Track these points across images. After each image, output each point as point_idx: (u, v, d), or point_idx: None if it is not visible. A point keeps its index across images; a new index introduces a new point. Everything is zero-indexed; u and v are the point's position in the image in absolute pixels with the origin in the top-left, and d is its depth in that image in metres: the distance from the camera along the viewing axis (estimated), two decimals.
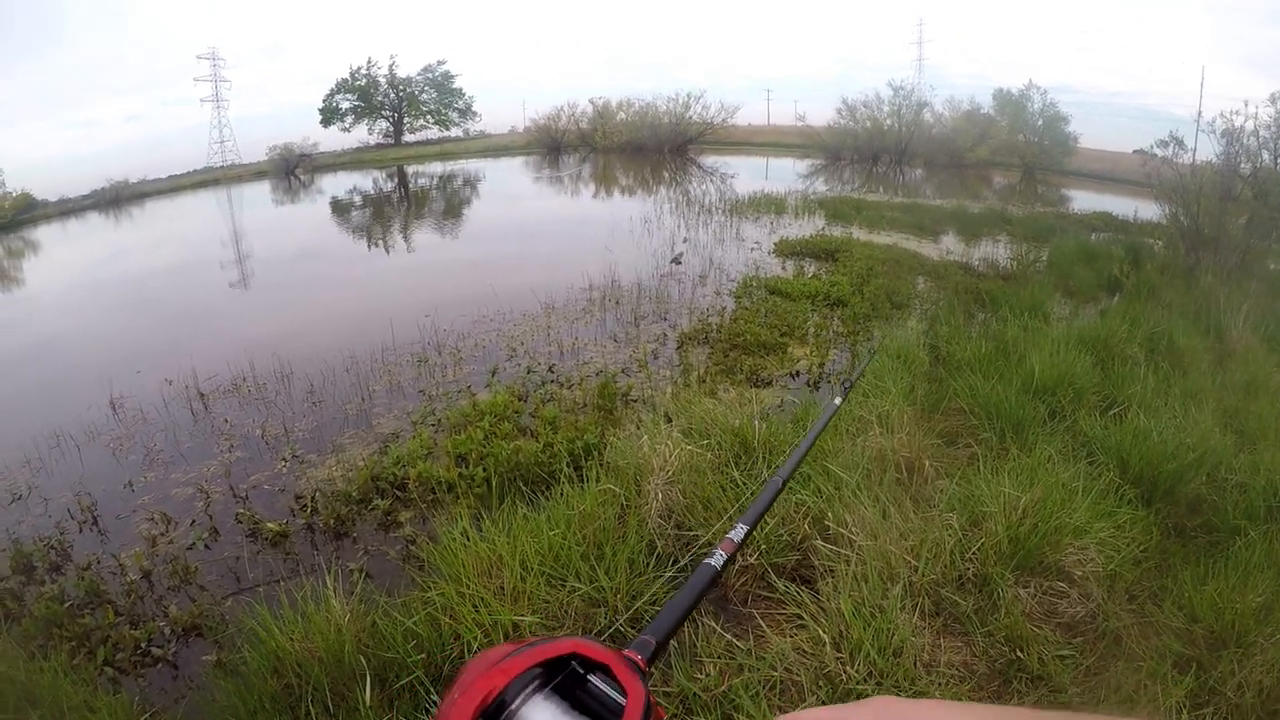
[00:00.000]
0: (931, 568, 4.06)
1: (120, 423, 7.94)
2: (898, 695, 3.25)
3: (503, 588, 3.94)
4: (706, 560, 1.15)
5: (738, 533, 1.25)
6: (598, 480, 4.99)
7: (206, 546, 5.53)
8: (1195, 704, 3.47)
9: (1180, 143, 15.74)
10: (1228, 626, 3.81)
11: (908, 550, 4.12)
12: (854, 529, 4.26)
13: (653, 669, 0.89)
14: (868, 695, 3.27)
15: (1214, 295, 10.57)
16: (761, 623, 3.90)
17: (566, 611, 3.94)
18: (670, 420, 6.09)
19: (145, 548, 5.53)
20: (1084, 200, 28.51)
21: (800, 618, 3.80)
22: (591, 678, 0.74)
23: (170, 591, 5.03)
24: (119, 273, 19.88)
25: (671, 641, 0.97)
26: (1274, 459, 5.61)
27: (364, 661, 3.58)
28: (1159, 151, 15.85)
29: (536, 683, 0.72)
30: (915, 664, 3.56)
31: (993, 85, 48.14)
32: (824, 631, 3.59)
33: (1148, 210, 18.44)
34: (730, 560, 1.19)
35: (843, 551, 4.16)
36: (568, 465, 5.65)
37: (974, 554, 4.18)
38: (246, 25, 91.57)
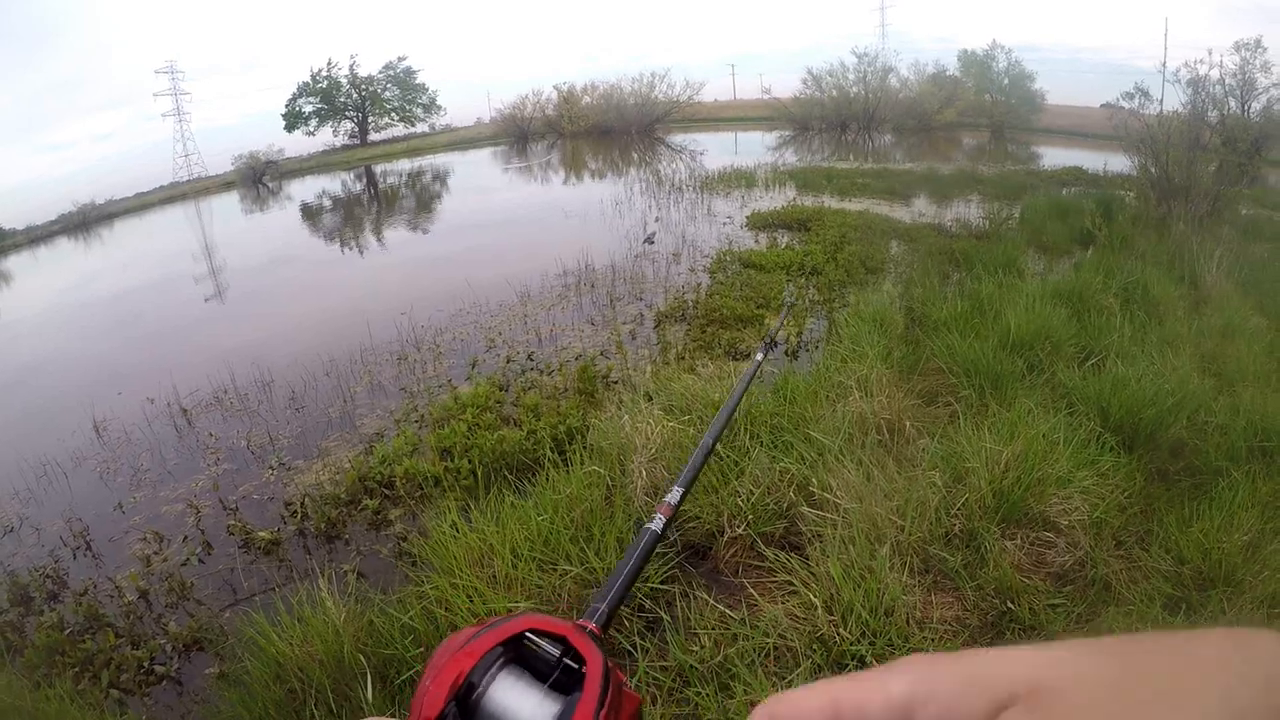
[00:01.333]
0: (918, 526, 4.09)
1: (105, 445, 7.93)
2: (895, 653, 3.28)
3: (495, 576, 3.99)
4: (647, 525, 1.19)
5: (674, 495, 1.30)
6: (582, 463, 5.02)
7: (201, 561, 5.57)
8: None
9: (1146, 94, 15.85)
10: (1215, 566, 3.86)
11: (893, 510, 4.14)
12: (839, 493, 4.28)
13: (608, 633, 0.93)
14: (862, 655, 3.31)
15: (1186, 243, 10.60)
16: (753, 592, 3.93)
17: (559, 594, 3.97)
18: (651, 399, 6.11)
19: (140, 568, 5.56)
20: (1055, 156, 28.54)
21: (791, 584, 3.83)
22: (552, 649, 0.76)
23: (168, 609, 5.06)
24: (91, 296, 19.71)
25: (623, 606, 1.03)
26: (1253, 400, 5.66)
27: (364, 660, 3.60)
28: (1125, 104, 15.92)
29: (500, 661, 0.74)
30: (908, 621, 3.60)
31: (961, 47, 47.89)
32: (815, 596, 3.62)
33: (1117, 163, 18.46)
34: (669, 522, 1.23)
35: (829, 516, 4.18)
36: (552, 450, 5.69)
37: (959, 510, 4.21)
38: (208, 36, 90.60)
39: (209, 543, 5.78)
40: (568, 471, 4.91)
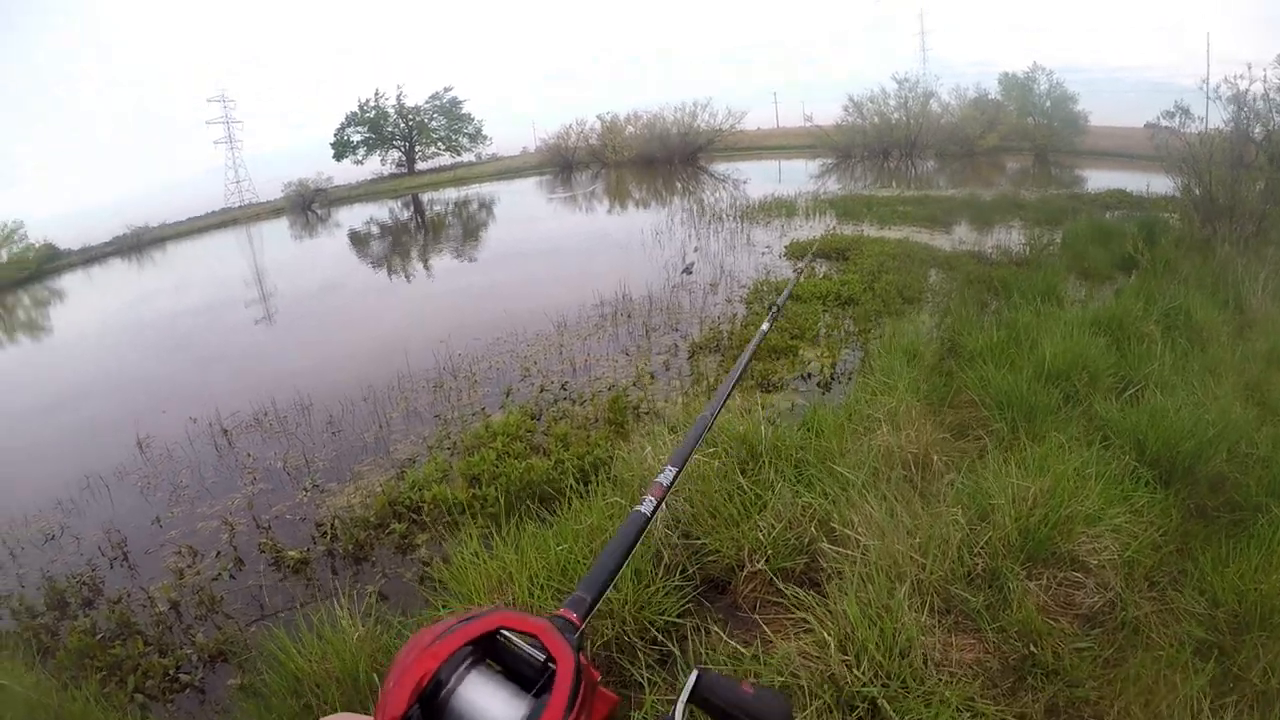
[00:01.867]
0: (939, 565, 4.00)
1: (148, 461, 8.19)
2: (908, 695, 3.20)
3: (512, 602, 4.01)
4: (636, 508, 1.15)
5: (666, 475, 1.26)
6: (603, 495, 5.03)
7: (231, 576, 5.77)
8: (1219, 693, 3.37)
9: (1187, 112, 15.51)
10: (1251, 609, 3.71)
11: (914, 548, 4.07)
12: (860, 529, 4.22)
13: (587, 622, 0.91)
14: (873, 697, 3.23)
15: (1231, 265, 10.39)
16: (766, 629, 3.88)
17: None
18: (675, 430, 6.09)
19: (173, 580, 5.78)
20: (1099, 179, 28.12)
21: (807, 622, 3.76)
22: (523, 647, 0.77)
23: (197, 621, 5.25)
24: (142, 317, 20.30)
25: (605, 595, 0.99)
26: None
27: (377, 680, 3.63)
28: (1165, 123, 15.63)
29: (470, 660, 0.74)
30: (925, 663, 3.51)
31: (1002, 70, 47.45)
32: (828, 634, 3.55)
33: (1160, 184, 18.17)
34: (659, 504, 1.19)
35: (849, 553, 4.11)
36: (576, 480, 5.76)
37: (982, 548, 4.12)
38: (260, 63, 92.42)
39: (241, 559, 5.98)
40: (589, 502, 4.93)
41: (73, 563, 6.30)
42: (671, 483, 1.25)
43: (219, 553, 6.08)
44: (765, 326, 2.55)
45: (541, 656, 0.76)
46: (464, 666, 0.73)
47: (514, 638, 0.78)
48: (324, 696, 3.68)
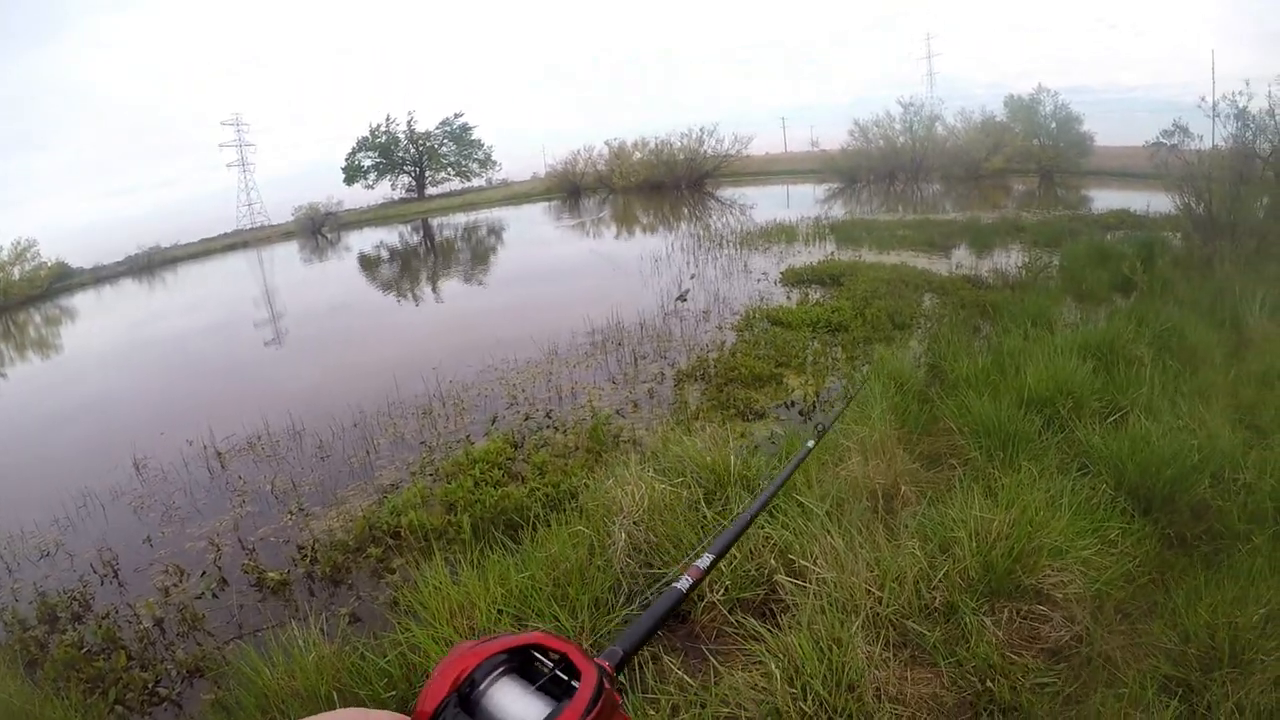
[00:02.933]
0: (895, 598, 3.95)
1: (143, 482, 8.37)
2: None
3: (473, 628, 4.06)
4: (674, 584, 1.25)
5: (704, 561, 1.34)
6: (565, 524, 5.09)
7: (214, 595, 5.92)
8: None
9: (1185, 130, 15.45)
10: (1222, 644, 3.59)
11: (871, 581, 4.01)
12: (820, 561, 4.17)
13: (620, 675, 1.04)
14: None
15: (1230, 284, 10.26)
16: (712, 659, 3.84)
17: None
18: (647, 459, 6.03)
19: (159, 597, 5.96)
20: (1105, 199, 28.12)
21: (759, 654, 3.71)
22: (550, 664, 0.83)
23: (179, 637, 5.41)
24: (149, 337, 20.75)
25: (636, 657, 1.13)
26: None
27: (335, 697, 3.81)
28: (1165, 141, 15.57)
29: (503, 667, 0.81)
30: (876, 697, 3.46)
31: (1008, 92, 47.50)
32: (775, 667, 3.50)
33: (1162, 203, 18.05)
34: (695, 585, 1.28)
35: (806, 585, 4.07)
36: (544, 508, 5.88)
37: (940, 582, 4.03)
38: (272, 88, 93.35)
39: (225, 579, 6.13)
40: (554, 531, 4.97)
41: (66, 578, 6.46)
42: (709, 567, 1.34)
43: (204, 572, 6.22)
44: (811, 444, 2.65)
45: (565, 674, 0.82)
46: (498, 671, 0.80)
47: (546, 659, 0.84)
48: (289, 712, 3.78)
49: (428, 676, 0.80)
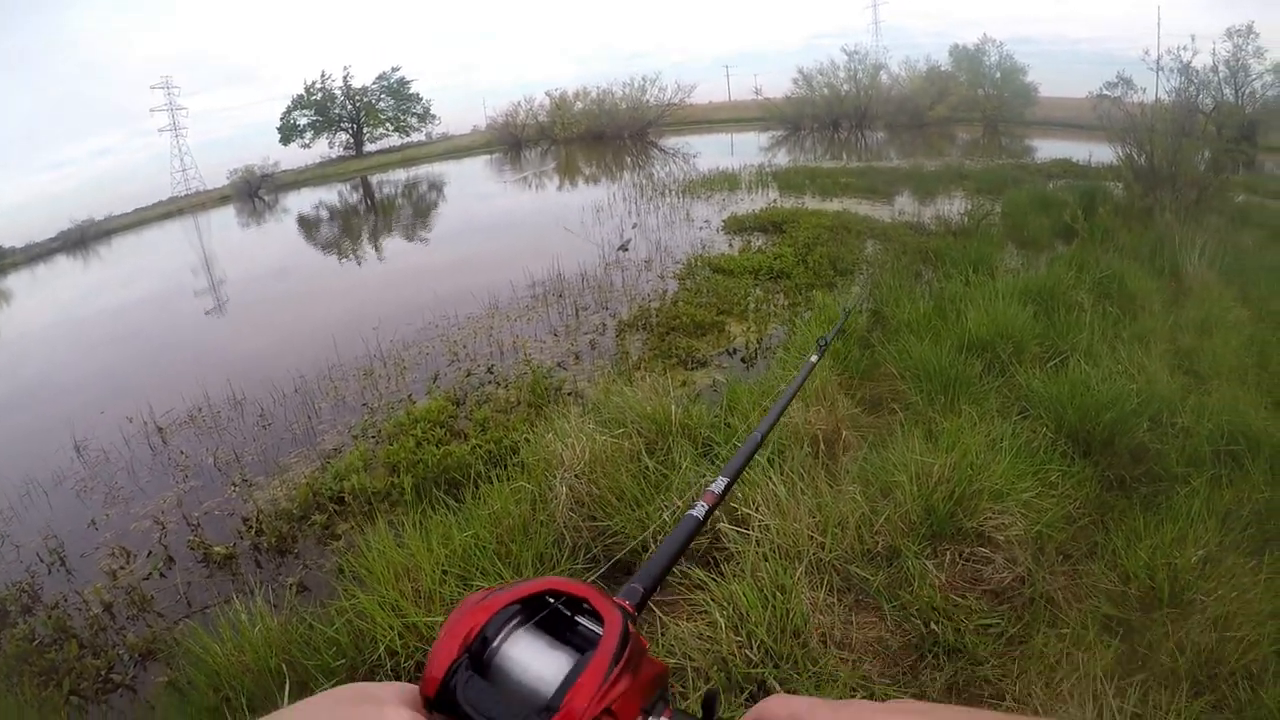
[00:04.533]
0: (838, 543, 3.94)
1: (85, 464, 8.10)
2: (800, 676, 3.10)
3: (417, 591, 4.00)
4: (690, 511, 1.22)
5: (718, 485, 1.33)
6: (508, 480, 5.02)
7: (162, 575, 5.75)
8: (1127, 671, 3.28)
9: (1129, 83, 15.63)
10: (1162, 585, 3.62)
11: (813, 527, 3.99)
12: (762, 508, 4.13)
13: (641, 612, 0.97)
14: (764, 677, 3.13)
15: (1170, 233, 10.38)
16: (656, 610, 3.81)
17: None
18: (589, 412, 6.00)
19: (107, 581, 5.79)
20: (1048, 149, 28.46)
21: (705, 604, 3.70)
22: (568, 611, 0.78)
23: (129, 620, 5.26)
24: (82, 314, 20.22)
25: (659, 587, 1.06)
26: (1223, 399, 5.48)
27: (285, 670, 3.69)
28: (1108, 93, 15.72)
29: (518, 619, 0.75)
30: (825, 642, 3.47)
31: (957, 42, 47.78)
32: (720, 615, 3.50)
33: (1106, 154, 18.21)
34: (711, 510, 1.26)
35: (749, 532, 4.04)
36: (486, 465, 5.80)
37: (882, 526, 4.02)
38: (204, 51, 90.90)
39: (171, 557, 5.94)
40: (495, 488, 4.90)
41: (13, 571, 6.24)
42: (724, 491, 1.32)
43: (151, 552, 6.05)
44: (814, 359, 2.65)
45: (590, 623, 0.77)
46: (512, 624, 0.74)
47: (563, 605, 0.79)
48: (240, 689, 3.72)
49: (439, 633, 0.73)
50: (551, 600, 0.78)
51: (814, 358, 2.64)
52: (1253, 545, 3.90)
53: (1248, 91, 25.64)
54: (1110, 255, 9.36)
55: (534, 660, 0.71)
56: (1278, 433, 4.95)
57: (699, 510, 1.22)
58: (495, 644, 0.72)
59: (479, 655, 0.71)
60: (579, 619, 0.77)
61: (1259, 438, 4.89)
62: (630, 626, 0.74)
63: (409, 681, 0.71)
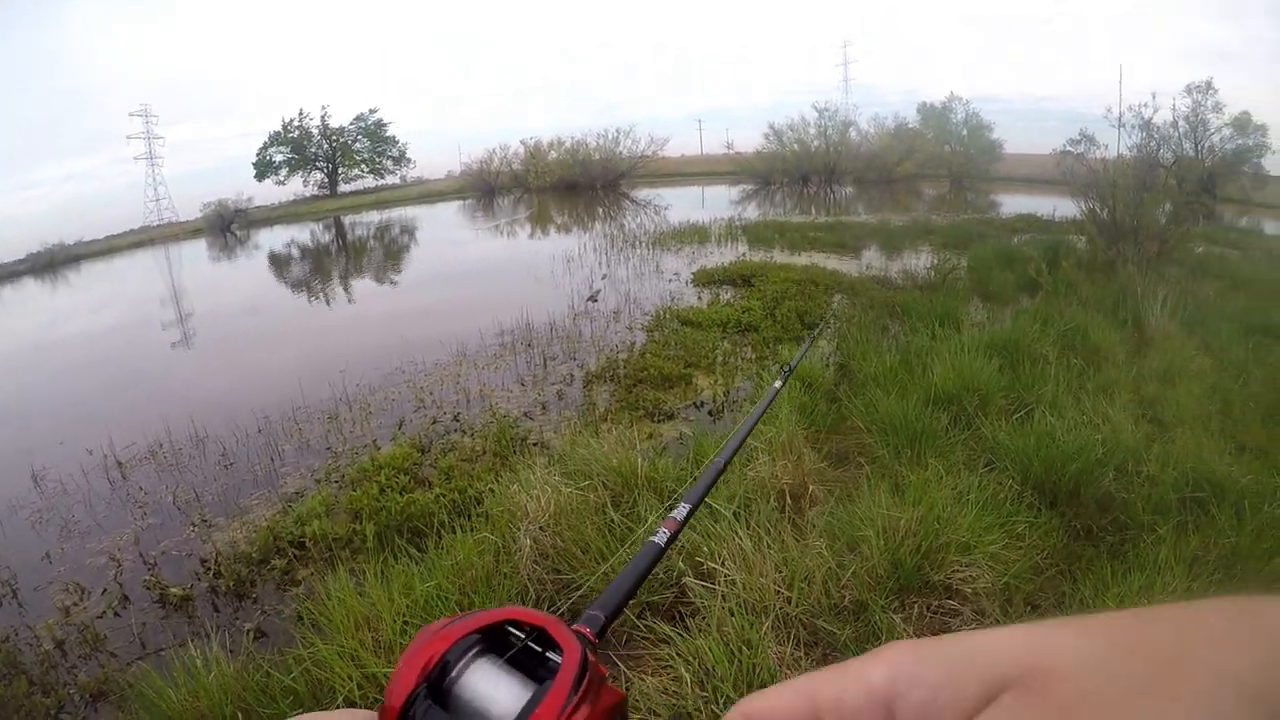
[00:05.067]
0: (805, 598, 3.92)
1: (42, 495, 7.94)
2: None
3: (377, 641, 3.95)
4: (651, 539, 1.16)
5: (680, 511, 1.27)
6: (471, 531, 4.97)
7: (116, 614, 5.62)
8: None
9: (1092, 139, 15.95)
10: None
11: (780, 581, 3.98)
12: (728, 563, 4.12)
13: (601, 640, 0.91)
14: None
15: (1132, 285, 10.54)
16: (620, 665, 3.81)
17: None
18: (554, 463, 5.98)
19: (59, 618, 5.66)
20: (1013, 204, 28.98)
21: (669, 658, 3.67)
22: (528, 640, 0.75)
23: (81, 659, 5.13)
24: (48, 340, 19.99)
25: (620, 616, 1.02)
26: (1187, 446, 5.54)
27: (241, 717, 3.69)
28: (1071, 149, 16.05)
29: (477, 648, 0.72)
30: None
31: (924, 100, 48.67)
32: (685, 670, 3.48)
33: (1069, 209, 18.52)
34: (673, 538, 1.20)
35: (714, 587, 4.02)
36: (450, 515, 5.76)
37: (849, 580, 4.00)
38: (183, 82, 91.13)
39: (126, 596, 5.82)
40: (458, 538, 4.85)
41: None
42: (685, 518, 1.27)
43: (105, 589, 5.95)
44: (778, 384, 2.66)
45: (545, 649, 0.74)
46: (471, 654, 0.71)
47: (523, 635, 0.75)
48: None
49: (394, 665, 0.71)
50: (511, 630, 0.76)
51: (777, 383, 2.66)
52: (1220, 591, 3.89)
53: (1207, 145, 26.40)
54: (1074, 308, 9.51)
55: (493, 689, 0.70)
56: (1242, 478, 5.00)
57: (660, 537, 1.18)
58: (454, 673, 0.70)
59: (438, 685, 0.69)
60: (538, 648, 0.74)
61: (1223, 484, 4.95)
62: (590, 655, 0.72)
63: (367, 709, 0.70)
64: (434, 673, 0.69)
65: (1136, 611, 0.38)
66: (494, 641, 0.75)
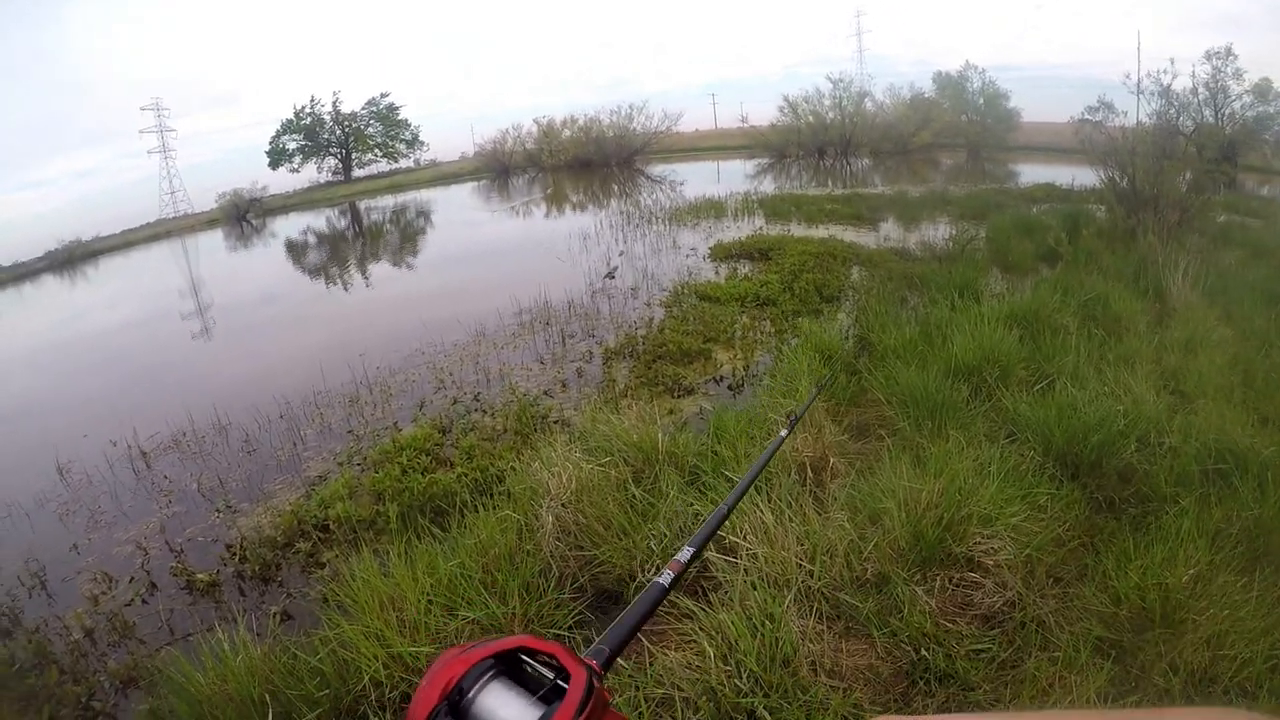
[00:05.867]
0: (827, 571, 3.92)
1: (68, 487, 8.01)
2: (790, 705, 3.07)
3: (403, 620, 3.96)
4: (657, 579, 1.26)
5: (684, 554, 1.38)
6: (493, 509, 4.97)
7: (144, 601, 5.65)
8: (1120, 692, 3.28)
9: (1110, 107, 15.75)
10: (1154, 606, 3.60)
11: (802, 554, 3.98)
12: (750, 537, 4.12)
13: (608, 672, 1.01)
14: (754, 706, 3.09)
15: (1153, 255, 10.43)
16: (644, 640, 3.78)
17: (460, 638, 3.90)
18: (575, 440, 5.93)
19: (88, 607, 5.66)
20: (1031, 173, 28.63)
21: (693, 633, 3.67)
22: (539, 667, 0.85)
23: (110, 647, 5.17)
24: (70, 335, 20.01)
25: (624, 650, 1.10)
26: (1209, 418, 5.48)
27: (268, 700, 3.67)
28: (1090, 117, 15.84)
29: (492, 672, 0.82)
30: (815, 670, 3.45)
31: (940, 69, 48.10)
32: (709, 645, 3.46)
33: (1087, 177, 18.32)
34: (677, 579, 1.31)
35: (737, 561, 4.01)
36: (472, 494, 5.75)
37: (870, 553, 4.01)
38: (194, 73, 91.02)
39: (154, 583, 5.86)
40: (481, 517, 4.86)
41: None
42: (689, 561, 1.38)
43: (133, 578, 5.98)
44: (784, 434, 2.69)
45: (557, 677, 0.83)
46: (486, 677, 0.81)
47: (534, 661, 0.85)
48: (223, 718, 3.67)
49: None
50: (524, 657, 0.85)
51: (784, 433, 2.69)
52: (1243, 563, 3.89)
53: (1227, 112, 26.05)
54: (1094, 278, 9.42)
55: (505, 710, 0.78)
56: (1264, 450, 4.93)
57: (665, 579, 1.27)
58: (471, 694, 0.79)
59: (456, 704, 0.78)
60: (548, 674, 0.83)
61: (1246, 455, 4.89)
62: (595, 682, 0.80)
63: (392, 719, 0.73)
64: (453, 693, 0.79)
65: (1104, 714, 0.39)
66: (508, 666, 0.84)
